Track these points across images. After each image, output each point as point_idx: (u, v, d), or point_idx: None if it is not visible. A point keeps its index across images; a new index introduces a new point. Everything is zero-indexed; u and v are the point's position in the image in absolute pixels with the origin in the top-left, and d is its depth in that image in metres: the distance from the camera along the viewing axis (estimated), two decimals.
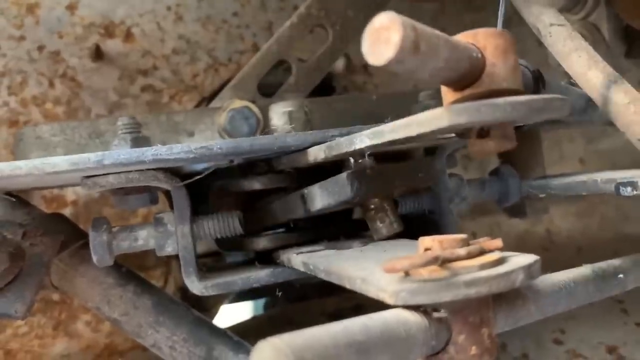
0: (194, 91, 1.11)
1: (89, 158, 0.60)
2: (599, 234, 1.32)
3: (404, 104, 0.93)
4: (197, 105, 1.11)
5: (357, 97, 1.00)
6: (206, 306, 1.10)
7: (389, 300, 0.43)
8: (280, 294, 0.86)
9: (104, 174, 0.66)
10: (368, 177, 0.63)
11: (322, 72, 1.00)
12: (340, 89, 1.23)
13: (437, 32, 0.40)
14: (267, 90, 0.97)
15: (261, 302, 1.44)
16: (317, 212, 0.67)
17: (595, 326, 0.96)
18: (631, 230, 1.31)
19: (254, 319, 1.11)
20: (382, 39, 0.38)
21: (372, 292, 0.46)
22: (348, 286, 0.51)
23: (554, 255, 1.28)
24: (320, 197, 0.65)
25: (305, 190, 0.67)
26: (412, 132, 0.44)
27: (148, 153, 0.61)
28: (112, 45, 1.09)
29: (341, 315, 1.03)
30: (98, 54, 1.06)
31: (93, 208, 1.06)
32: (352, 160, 0.65)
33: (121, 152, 0.61)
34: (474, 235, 1.30)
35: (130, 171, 0.66)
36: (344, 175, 0.62)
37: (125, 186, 0.68)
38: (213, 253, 1.06)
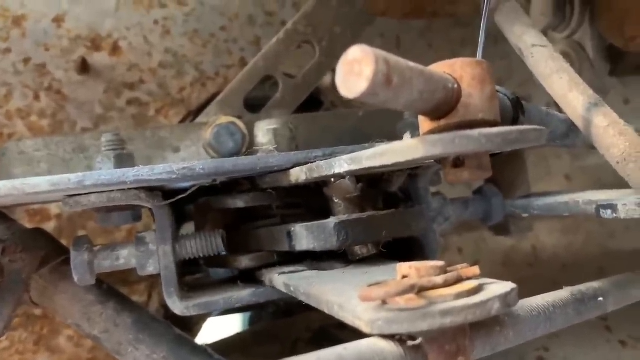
0: (180, 105, 1.11)
1: (69, 179, 0.60)
2: (584, 250, 1.32)
3: (390, 121, 0.93)
4: (184, 119, 1.11)
5: (343, 114, 1.00)
6: (190, 322, 1.09)
7: (364, 329, 0.43)
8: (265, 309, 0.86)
9: (85, 194, 0.66)
10: (355, 227, 0.63)
11: (309, 88, 1.00)
12: (328, 103, 1.23)
13: (411, 64, 0.40)
14: (254, 106, 0.97)
15: (247, 315, 1.43)
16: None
17: (579, 344, 0.97)
18: (616, 246, 1.32)
19: (238, 335, 1.11)
20: (355, 71, 0.38)
21: (348, 319, 0.46)
22: (326, 311, 0.51)
23: (539, 272, 1.28)
24: (307, 240, 0.65)
25: (292, 228, 0.67)
26: (388, 160, 0.44)
27: (130, 174, 0.61)
28: (99, 58, 1.09)
29: (326, 332, 1.02)
30: (84, 67, 1.06)
31: (77, 222, 1.06)
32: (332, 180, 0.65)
33: (102, 173, 0.61)
34: (459, 251, 1.30)
35: (112, 190, 0.66)
36: (331, 224, 0.62)
37: (107, 205, 0.68)
38: None
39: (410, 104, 0.43)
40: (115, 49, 1.10)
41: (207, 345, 0.80)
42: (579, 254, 1.32)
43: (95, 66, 1.08)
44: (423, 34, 1.30)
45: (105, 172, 0.61)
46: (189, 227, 0.93)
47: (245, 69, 0.94)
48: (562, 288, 0.60)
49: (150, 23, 1.12)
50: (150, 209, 0.72)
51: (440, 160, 0.49)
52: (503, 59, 1.24)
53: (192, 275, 0.91)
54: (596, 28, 1.03)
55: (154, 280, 1.10)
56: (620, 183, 0.71)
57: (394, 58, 0.41)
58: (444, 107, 0.46)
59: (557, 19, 1.05)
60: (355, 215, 0.66)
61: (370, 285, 0.46)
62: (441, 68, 0.48)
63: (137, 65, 1.11)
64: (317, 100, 1.23)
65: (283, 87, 0.96)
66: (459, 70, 0.47)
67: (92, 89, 1.08)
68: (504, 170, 0.88)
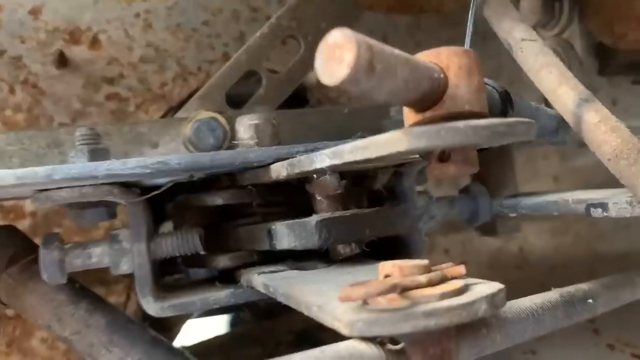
0: (161, 100, 1.08)
1: (37, 172, 0.57)
2: (573, 252, 1.31)
3: (376, 118, 0.91)
4: (165, 115, 1.08)
5: (328, 111, 0.98)
6: (169, 324, 1.06)
7: (343, 331, 0.40)
8: (247, 311, 0.83)
9: (56, 188, 0.63)
10: (338, 225, 0.61)
11: (293, 84, 0.97)
12: (314, 101, 1.20)
13: (395, 51, 0.38)
14: (238, 102, 0.94)
15: (228, 317, 1.40)
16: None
17: (566, 347, 0.95)
18: (605, 248, 1.30)
19: (217, 337, 1.08)
20: (336, 57, 0.36)
21: (327, 321, 0.43)
22: (305, 312, 0.49)
23: (527, 274, 1.27)
24: (287, 238, 0.62)
25: (273, 226, 0.64)
26: (371, 154, 0.42)
27: (101, 168, 0.59)
28: (77, 52, 1.05)
29: (309, 334, 1.00)
30: (62, 61, 1.02)
31: (53, 220, 1.02)
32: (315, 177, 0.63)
33: (72, 167, 0.58)
34: (446, 252, 1.28)
35: (84, 185, 0.63)
36: (312, 222, 0.60)
37: (79, 201, 0.65)
38: None
39: (394, 93, 0.41)
40: (94, 43, 1.06)
41: (185, 347, 0.77)
42: (567, 256, 1.30)
43: (73, 60, 1.05)
44: (411, 32, 1.28)
45: (76, 166, 0.58)
46: (170, 227, 0.90)
47: (228, 63, 0.91)
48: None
49: (131, 16, 1.09)
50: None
51: (426, 155, 0.47)
52: (492, 58, 1.22)
53: (172, 275, 0.88)
54: (585, 26, 1.01)
55: (132, 280, 1.06)
56: (609, 185, 0.69)
57: (377, 44, 0.39)
58: (430, 98, 0.44)
59: (546, 17, 1.04)
60: (338, 213, 0.64)
61: (351, 285, 0.43)
62: (427, 57, 0.46)
63: (117, 59, 1.08)
64: (302, 98, 1.21)
65: (266, 82, 0.94)
66: (445, 60, 0.45)
67: (70, 84, 1.05)
68: (491, 168, 0.86)
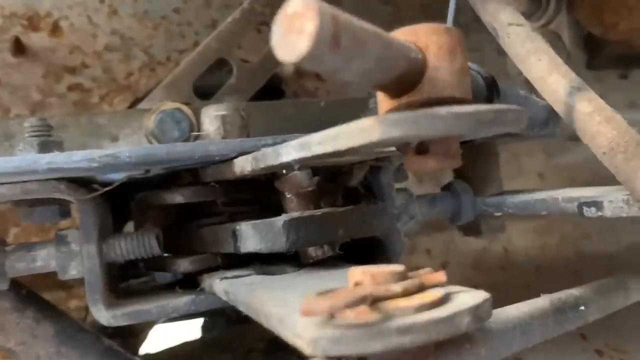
0: (127, 91, 1.02)
1: None
2: (558, 253, 1.27)
3: (354, 111, 0.86)
4: (130, 107, 1.02)
5: (305, 103, 0.92)
6: (135, 330, 1.00)
7: (305, 349, 0.35)
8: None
9: None
10: (308, 225, 0.56)
11: (266, 74, 0.92)
12: (290, 94, 1.15)
13: (366, 24, 0.33)
14: (209, 95, 0.88)
15: (198, 322, 1.33)
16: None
17: (552, 353, 0.90)
18: (591, 249, 1.26)
19: (185, 344, 1.02)
20: (295, 28, 0.30)
21: (288, 337, 0.38)
22: (265, 325, 0.43)
23: (512, 275, 1.22)
24: (253, 240, 0.57)
25: (237, 227, 0.59)
26: (341, 145, 0.37)
27: (42, 161, 0.53)
28: (37, 39, 0.99)
29: (281, 341, 0.94)
30: (18, 48, 0.96)
31: (10, 219, 0.96)
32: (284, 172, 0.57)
33: (9, 159, 0.52)
34: (428, 253, 1.23)
35: (27, 181, 0.57)
36: (279, 222, 0.55)
37: (22, 198, 0.58)
38: None
39: (364, 73, 0.35)
40: (55, 30, 1.00)
41: (150, 355, 0.71)
42: (552, 257, 1.26)
43: (32, 47, 0.99)
44: (391, 25, 1.23)
45: (14, 158, 0.52)
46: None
47: (196, 50, 0.85)
48: (535, 292, 0.54)
49: (96, 2, 1.03)
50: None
51: (402, 147, 0.42)
52: (474, 52, 1.17)
53: (137, 278, 0.82)
54: (574, 16, 0.97)
55: None
56: (597, 183, 0.65)
57: (344, 16, 0.33)
58: (407, 81, 0.38)
59: (533, 7, 0.99)
60: (307, 212, 0.58)
61: (316, 295, 0.38)
62: (403, 35, 0.40)
63: (79, 47, 1.01)
64: (278, 90, 1.15)
65: (238, 71, 0.88)
66: (424, 38, 0.40)
67: (28, 73, 0.98)
68: (475, 164, 0.81)
